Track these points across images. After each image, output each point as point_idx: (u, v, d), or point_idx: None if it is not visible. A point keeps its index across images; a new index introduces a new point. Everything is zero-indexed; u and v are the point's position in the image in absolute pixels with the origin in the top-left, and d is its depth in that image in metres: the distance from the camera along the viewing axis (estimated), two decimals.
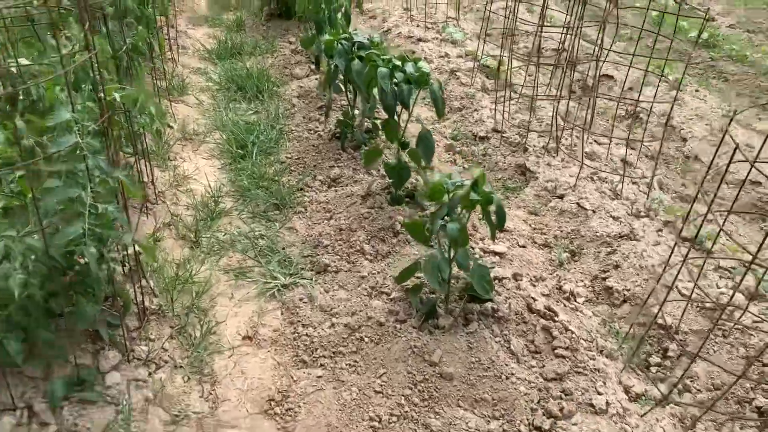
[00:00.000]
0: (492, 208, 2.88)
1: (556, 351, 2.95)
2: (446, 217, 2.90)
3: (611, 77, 6.67)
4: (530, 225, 4.21)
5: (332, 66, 4.42)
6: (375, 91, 3.78)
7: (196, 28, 8.10)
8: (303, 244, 3.93)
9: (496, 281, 3.31)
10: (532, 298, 3.27)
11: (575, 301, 3.54)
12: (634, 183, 4.55)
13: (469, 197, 2.84)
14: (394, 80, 3.56)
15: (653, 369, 3.11)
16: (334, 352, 3.09)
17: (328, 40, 4.36)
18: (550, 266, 3.86)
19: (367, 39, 4.42)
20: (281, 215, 4.26)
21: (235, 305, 3.51)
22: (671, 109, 4.14)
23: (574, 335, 3.06)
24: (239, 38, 7.55)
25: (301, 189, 4.49)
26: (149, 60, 5.09)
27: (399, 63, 3.54)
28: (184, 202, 4.35)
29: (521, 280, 3.40)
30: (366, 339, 3.07)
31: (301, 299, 3.48)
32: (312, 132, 5.16)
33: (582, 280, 3.70)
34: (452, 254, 2.97)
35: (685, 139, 5.58)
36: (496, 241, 3.68)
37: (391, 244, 3.73)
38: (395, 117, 3.70)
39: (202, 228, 4.09)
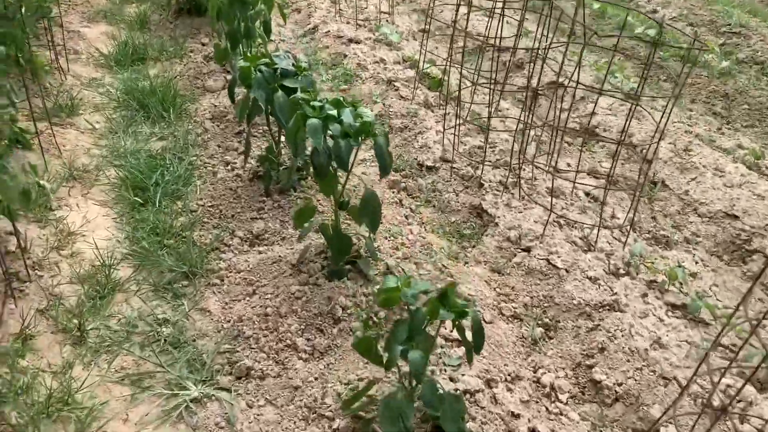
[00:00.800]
0: (466, 323, 2.19)
1: None
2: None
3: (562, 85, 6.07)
4: (494, 288, 3.55)
5: (251, 98, 3.59)
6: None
7: (92, 25, 6.96)
8: (219, 333, 3.12)
9: (467, 396, 2.62)
10: (513, 414, 2.61)
11: (558, 400, 2.90)
12: (605, 227, 3.96)
13: (438, 313, 2.13)
14: (329, 132, 2.78)
15: None
16: None
17: (244, 66, 3.51)
18: (523, 347, 3.22)
19: (292, 64, 3.60)
20: (191, 288, 3.43)
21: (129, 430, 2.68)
22: (649, 149, 3.53)
23: None
24: (143, 39, 6.51)
25: (216, 249, 3.66)
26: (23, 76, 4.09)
27: (334, 112, 2.75)
28: (68, 274, 3.45)
29: (496, 387, 2.73)
30: None
31: (217, 423, 2.69)
32: (229, 168, 4.30)
33: (563, 368, 3.07)
34: (414, 383, 2.26)
35: (649, 161, 5.04)
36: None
37: (331, 336, 2.99)
38: (331, 173, 2.92)
39: (90, 313, 3.22)
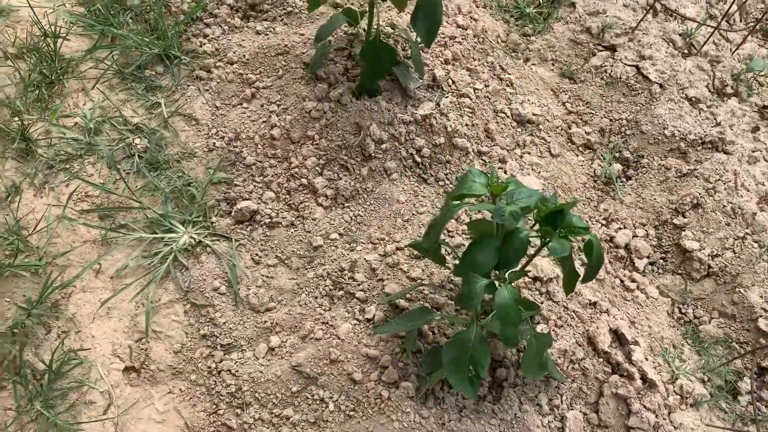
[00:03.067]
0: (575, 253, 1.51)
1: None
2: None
3: None
4: (564, 103, 2.76)
5: None
6: None
7: None
8: (210, 153, 2.39)
9: (537, 284, 2.05)
10: (590, 303, 2.08)
11: (634, 268, 2.37)
12: (711, 17, 3.02)
13: (550, 240, 1.44)
14: None
15: (743, 400, 2.15)
16: (277, 416, 1.91)
17: None
18: (594, 189, 2.57)
19: None
20: (168, 79, 2.57)
21: (104, 288, 2.13)
22: None
23: (652, 390, 1.98)
24: None
25: (198, 19, 2.70)
26: None
27: None
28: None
29: None
30: (330, 403, 1.88)
31: (215, 281, 2.13)
32: None
33: (643, 224, 2.47)
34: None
35: None
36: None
37: (359, 177, 2.28)
38: None
39: (35, 108, 2.41)
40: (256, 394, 1.93)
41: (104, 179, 2.32)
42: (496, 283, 1.50)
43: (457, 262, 1.70)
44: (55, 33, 2.56)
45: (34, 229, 2.16)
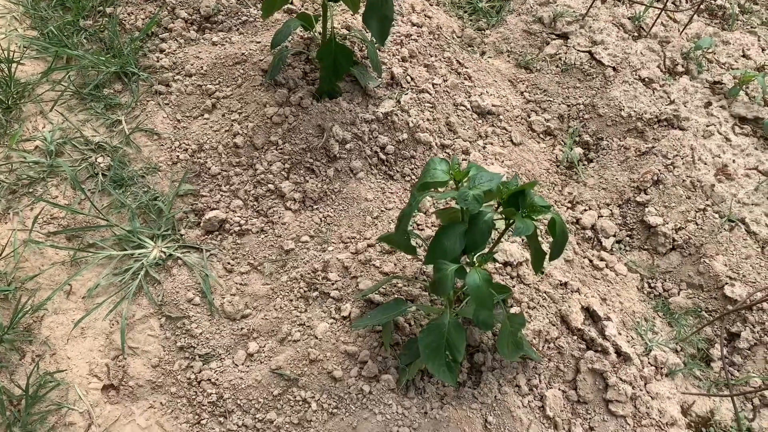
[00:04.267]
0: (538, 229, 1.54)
1: (610, 405, 1.93)
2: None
3: None
4: (522, 93, 2.81)
5: None
6: None
7: None
8: (174, 165, 2.38)
9: (508, 268, 2.08)
10: (561, 283, 2.12)
11: (602, 247, 2.42)
12: (657, 0, 3.11)
13: (513, 222, 1.47)
14: None
15: (716, 366, 2.21)
16: (260, 421, 1.91)
17: None
18: (558, 174, 2.62)
19: None
20: (127, 96, 2.56)
21: (76, 308, 2.11)
22: None
23: (628, 366, 2.02)
24: None
25: (153, 35, 2.70)
26: None
27: None
28: None
29: None
30: (313, 403, 1.89)
31: (188, 292, 2.12)
32: None
33: (607, 203, 2.53)
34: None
35: None
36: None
37: (326, 179, 2.29)
38: None
39: None
40: (238, 401, 1.93)
41: (69, 200, 2.30)
42: (466, 267, 1.53)
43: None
44: (9, 58, 2.54)
45: (1, 254, 2.13)
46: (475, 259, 1.55)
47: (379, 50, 2.51)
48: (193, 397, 1.97)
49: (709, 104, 2.74)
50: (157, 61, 2.61)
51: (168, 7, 2.73)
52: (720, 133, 2.63)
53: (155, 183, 2.35)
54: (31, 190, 2.31)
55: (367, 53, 2.40)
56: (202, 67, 2.54)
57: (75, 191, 2.32)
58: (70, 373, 1.98)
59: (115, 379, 1.99)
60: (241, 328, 2.07)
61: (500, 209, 1.54)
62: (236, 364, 2.00)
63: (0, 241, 2.16)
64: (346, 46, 2.23)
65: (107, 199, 2.32)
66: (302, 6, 2.72)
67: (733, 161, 2.56)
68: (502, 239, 2.15)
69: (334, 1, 2.15)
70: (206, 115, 2.45)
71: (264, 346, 2.02)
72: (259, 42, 2.56)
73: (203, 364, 2.02)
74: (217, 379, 1.97)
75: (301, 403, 1.90)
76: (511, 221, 1.52)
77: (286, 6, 2.64)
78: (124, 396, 1.99)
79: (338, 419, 1.86)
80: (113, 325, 2.08)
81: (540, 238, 2.12)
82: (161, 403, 1.98)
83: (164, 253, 2.22)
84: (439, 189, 1.56)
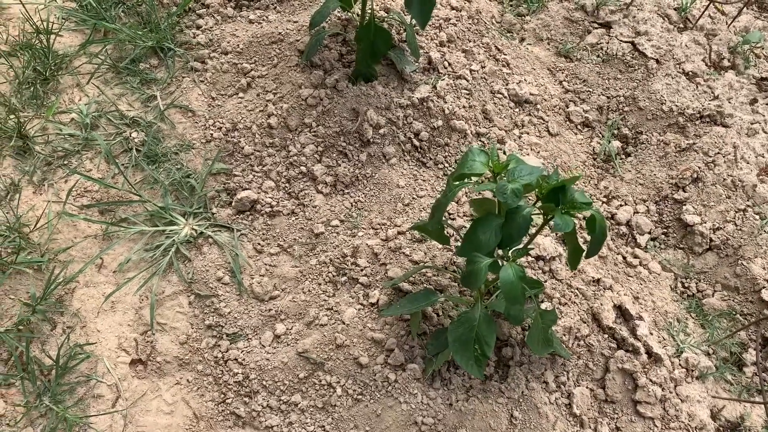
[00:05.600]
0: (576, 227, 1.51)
1: (638, 406, 1.90)
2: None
3: None
4: (561, 82, 2.75)
5: None
6: None
7: None
8: (208, 144, 2.38)
9: (540, 262, 2.05)
10: (594, 280, 2.08)
11: (636, 244, 2.37)
12: None
13: (552, 217, 1.44)
14: None
15: (748, 371, 2.16)
16: (285, 403, 1.92)
17: None
18: (594, 167, 2.57)
19: None
20: (163, 71, 2.56)
21: (106, 282, 2.13)
22: None
23: (659, 370, 1.98)
24: None
25: (190, 10, 2.69)
26: None
27: None
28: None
29: None
30: (338, 388, 1.89)
31: (218, 271, 2.13)
32: None
33: (644, 199, 2.47)
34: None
35: None
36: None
37: (359, 163, 2.27)
38: None
39: (30, 105, 2.40)
40: (264, 382, 1.94)
41: (103, 174, 2.32)
42: (500, 261, 1.50)
43: (459, 243, 1.70)
44: (48, 29, 2.55)
45: (35, 225, 2.15)
46: (510, 254, 1.52)
47: (418, 34, 2.47)
48: (219, 375, 1.98)
49: (754, 101, 2.65)
50: (194, 38, 2.60)
51: None
52: (765, 132, 2.55)
53: (188, 160, 2.36)
54: (66, 162, 2.32)
55: (405, 36, 2.36)
56: (238, 45, 2.52)
57: (109, 165, 2.33)
58: (99, 346, 2.00)
59: (143, 354, 2.01)
60: (269, 310, 2.07)
61: (539, 204, 1.51)
62: (263, 345, 2.00)
63: (35, 213, 2.18)
64: (384, 28, 2.19)
65: (140, 175, 2.33)
66: None
67: None
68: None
69: None
70: (241, 94, 2.44)
71: (291, 329, 2.02)
72: (296, 21, 2.53)
73: (230, 344, 2.03)
74: (244, 359, 1.98)
75: (326, 387, 1.90)
76: (549, 217, 1.49)
77: None
78: (151, 371, 2.01)
79: (362, 405, 1.86)
80: (143, 300, 2.10)
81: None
82: (188, 380, 1.99)
83: (195, 230, 2.22)
84: (475, 179, 1.53)
